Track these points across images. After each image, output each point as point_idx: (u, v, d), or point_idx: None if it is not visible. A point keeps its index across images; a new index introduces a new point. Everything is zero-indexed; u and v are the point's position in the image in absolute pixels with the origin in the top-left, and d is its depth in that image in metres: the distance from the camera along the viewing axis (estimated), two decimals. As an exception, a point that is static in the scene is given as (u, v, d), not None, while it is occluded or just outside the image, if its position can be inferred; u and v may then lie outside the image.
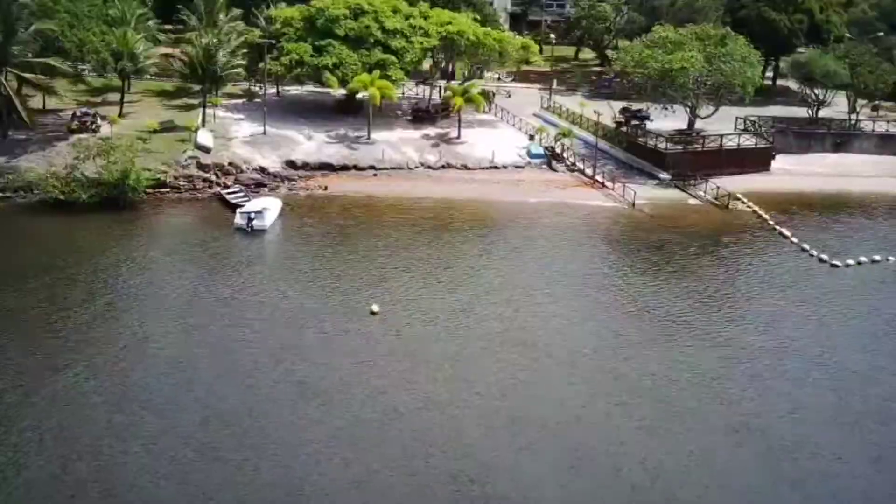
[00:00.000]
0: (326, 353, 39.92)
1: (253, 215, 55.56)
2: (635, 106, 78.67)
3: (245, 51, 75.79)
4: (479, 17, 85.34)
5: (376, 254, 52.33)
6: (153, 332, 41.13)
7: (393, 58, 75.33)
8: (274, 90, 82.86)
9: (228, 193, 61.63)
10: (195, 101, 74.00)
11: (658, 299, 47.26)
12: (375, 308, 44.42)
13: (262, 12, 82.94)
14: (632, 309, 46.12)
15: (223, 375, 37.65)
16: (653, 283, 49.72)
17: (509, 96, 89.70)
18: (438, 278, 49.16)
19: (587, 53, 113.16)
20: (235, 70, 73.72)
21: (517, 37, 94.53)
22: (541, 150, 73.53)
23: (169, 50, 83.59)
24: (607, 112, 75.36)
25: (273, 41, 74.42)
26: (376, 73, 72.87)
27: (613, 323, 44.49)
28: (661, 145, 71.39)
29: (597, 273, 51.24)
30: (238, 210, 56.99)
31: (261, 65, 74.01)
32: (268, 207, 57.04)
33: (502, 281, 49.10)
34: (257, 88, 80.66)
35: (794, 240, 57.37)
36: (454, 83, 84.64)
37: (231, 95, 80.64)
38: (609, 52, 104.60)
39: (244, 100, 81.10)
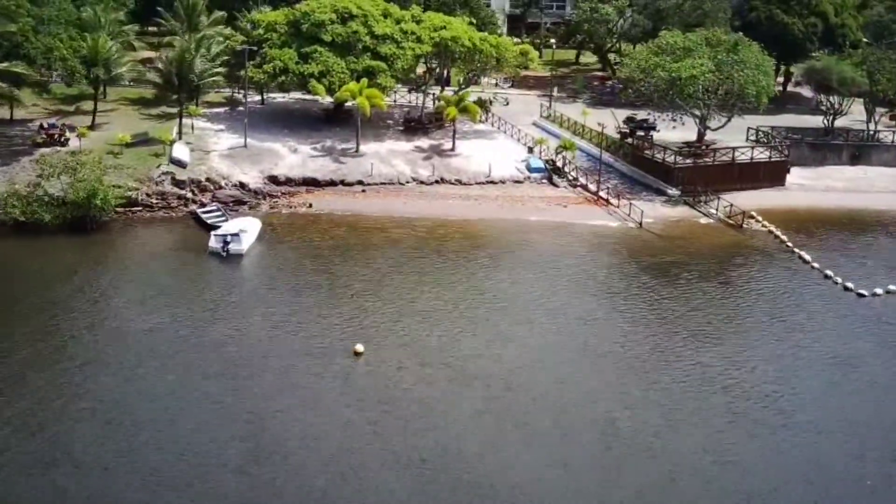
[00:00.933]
0: (297, 405, 35.54)
1: (229, 238, 51.46)
2: (640, 115, 74.27)
3: (226, 57, 71.28)
4: (474, 21, 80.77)
5: (363, 282, 48.08)
6: (97, 380, 36.82)
7: (383, 65, 70.80)
8: (258, 98, 78.44)
9: (204, 212, 57.35)
10: (174, 111, 69.48)
11: (668, 338, 42.89)
12: (360, 347, 40.35)
13: (245, 16, 78.37)
14: (639, 349, 41.73)
15: (168, 430, 33.38)
16: (662, 317, 45.31)
17: (507, 104, 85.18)
18: (430, 312, 44.77)
19: (588, 57, 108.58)
20: (214, 78, 69.21)
21: (515, 41, 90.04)
22: (541, 164, 69.05)
23: (150, 54, 79.22)
24: (610, 121, 70.83)
25: (255, 47, 69.87)
26: (365, 80, 68.33)
27: (617, 363, 40.22)
28: (670, 158, 66.96)
29: (603, 305, 46.89)
30: (213, 232, 52.72)
31: (241, 72, 69.42)
32: (245, 229, 52.89)
33: (501, 315, 44.86)
34: (240, 96, 76.13)
35: (816, 265, 52.97)
36: (449, 90, 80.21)
37: (212, 104, 76.20)
38: (612, 56, 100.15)
39: (227, 108, 76.58)
